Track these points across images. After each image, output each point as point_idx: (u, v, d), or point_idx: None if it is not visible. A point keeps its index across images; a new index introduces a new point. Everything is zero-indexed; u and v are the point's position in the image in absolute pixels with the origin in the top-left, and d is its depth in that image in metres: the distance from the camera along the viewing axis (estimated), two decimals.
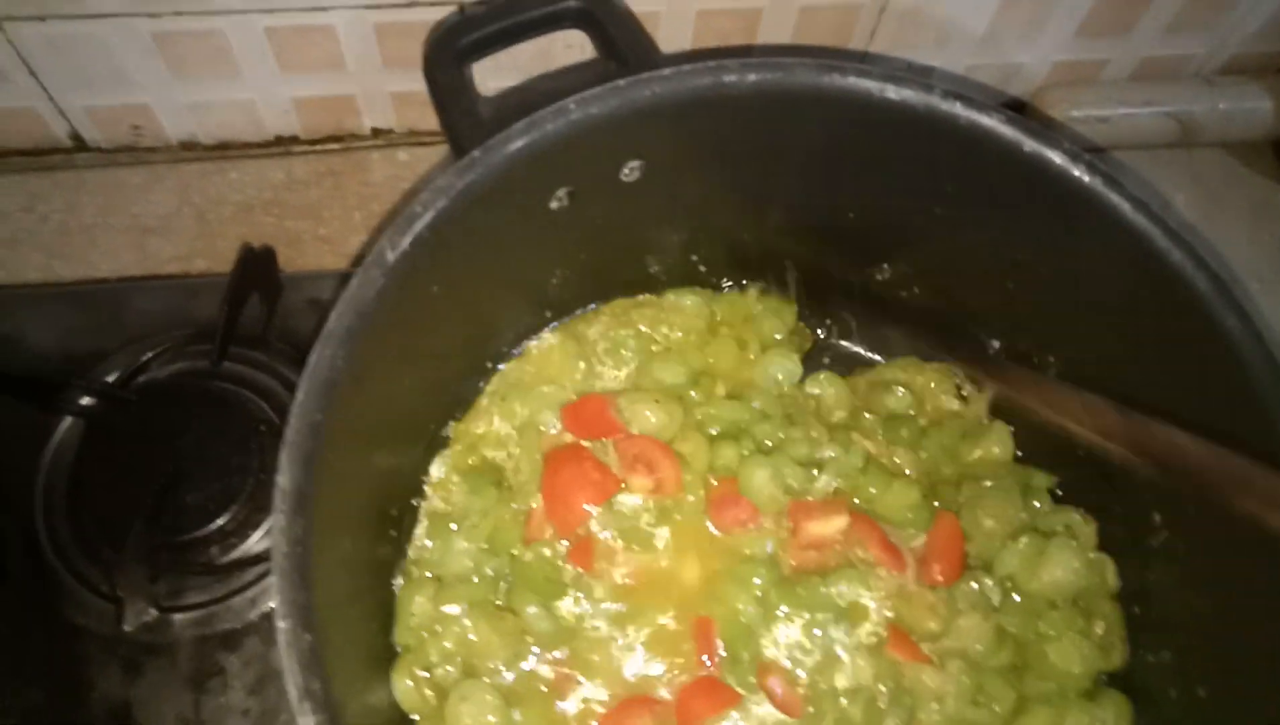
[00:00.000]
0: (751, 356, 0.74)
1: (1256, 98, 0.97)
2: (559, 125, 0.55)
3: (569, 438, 0.71)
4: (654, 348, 0.75)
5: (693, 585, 0.68)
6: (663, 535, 0.68)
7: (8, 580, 0.74)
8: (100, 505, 0.75)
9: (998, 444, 0.73)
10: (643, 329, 0.75)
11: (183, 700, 0.72)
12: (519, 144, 0.54)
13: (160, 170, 0.91)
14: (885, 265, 0.74)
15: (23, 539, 0.75)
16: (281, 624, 0.44)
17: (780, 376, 0.74)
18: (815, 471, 0.69)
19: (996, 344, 0.72)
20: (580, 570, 0.67)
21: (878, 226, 0.69)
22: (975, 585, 0.67)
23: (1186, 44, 0.95)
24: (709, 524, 0.69)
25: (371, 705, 0.61)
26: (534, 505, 0.69)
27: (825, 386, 0.75)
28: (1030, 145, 0.58)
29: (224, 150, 0.93)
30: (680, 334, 0.75)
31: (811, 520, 0.68)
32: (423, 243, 0.52)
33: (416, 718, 0.64)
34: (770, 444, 0.70)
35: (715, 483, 0.70)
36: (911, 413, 0.74)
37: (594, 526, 0.69)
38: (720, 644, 0.66)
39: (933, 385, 0.75)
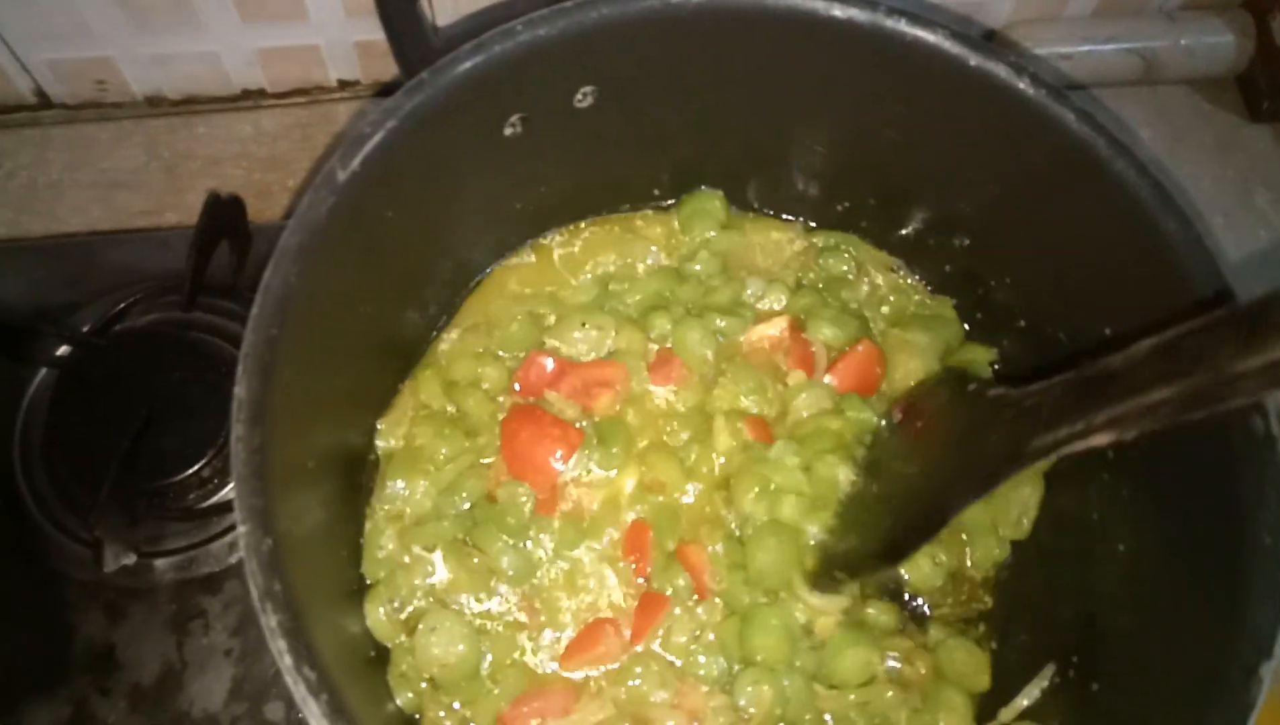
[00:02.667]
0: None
1: (1219, 32, 0.97)
2: (506, 47, 0.56)
3: (525, 399, 0.71)
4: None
5: (646, 482, 0.69)
6: (622, 442, 0.69)
7: None
8: (77, 453, 0.75)
9: (943, 320, 0.75)
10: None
11: (165, 642, 0.73)
12: (467, 65, 0.55)
13: (127, 126, 0.91)
14: (846, 201, 0.75)
15: (1, 489, 0.76)
16: (242, 528, 0.45)
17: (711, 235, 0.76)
18: (754, 300, 0.74)
19: (948, 269, 0.73)
20: (546, 516, 0.68)
21: (831, 150, 0.70)
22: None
23: None
24: (653, 390, 0.72)
25: (349, 633, 0.63)
26: (496, 457, 0.70)
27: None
28: (975, 60, 0.59)
29: (191, 105, 0.93)
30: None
31: (756, 325, 0.72)
32: (373, 164, 0.53)
33: (390, 646, 0.65)
34: (701, 297, 0.73)
35: (654, 352, 0.73)
36: (851, 278, 0.75)
37: (564, 478, 0.69)
38: (651, 546, 0.67)
39: (873, 263, 0.77)
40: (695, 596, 0.66)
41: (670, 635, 0.65)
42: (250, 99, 0.94)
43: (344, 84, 0.94)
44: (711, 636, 0.66)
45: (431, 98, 0.54)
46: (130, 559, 0.72)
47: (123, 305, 0.81)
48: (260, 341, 0.48)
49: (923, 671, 0.65)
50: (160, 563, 0.75)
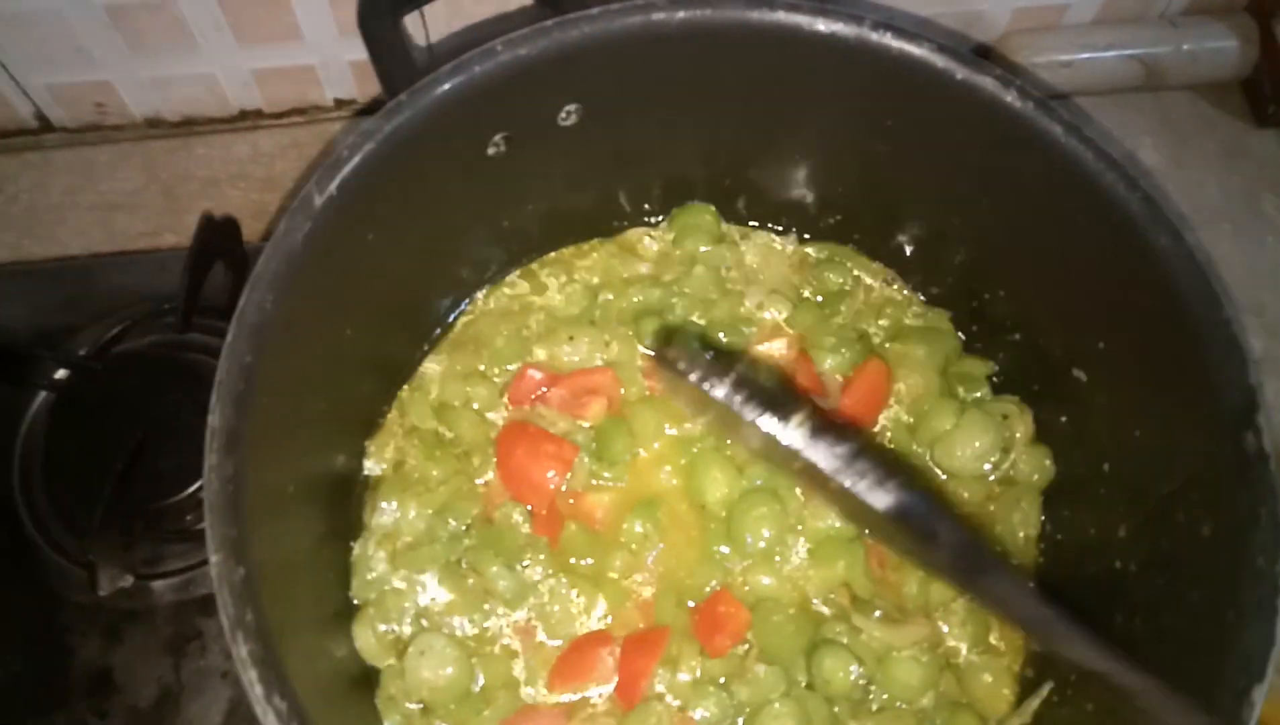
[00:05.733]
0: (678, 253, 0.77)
1: (1221, 37, 0.96)
2: (487, 67, 0.55)
3: (518, 413, 0.71)
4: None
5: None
6: (621, 461, 0.69)
7: None
8: (74, 476, 0.75)
9: (940, 333, 0.74)
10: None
11: (162, 664, 0.73)
12: (446, 86, 0.55)
13: (126, 148, 0.92)
14: (838, 215, 0.74)
15: (0, 512, 0.77)
16: (214, 558, 0.45)
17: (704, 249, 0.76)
18: (755, 311, 0.73)
19: (943, 281, 0.72)
20: (543, 537, 0.67)
21: (821, 164, 0.69)
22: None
23: None
24: (651, 392, 0.71)
25: (334, 656, 0.62)
26: (490, 477, 0.69)
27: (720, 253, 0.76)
28: (963, 73, 0.58)
29: (189, 126, 0.94)
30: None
31: (760, 342, 0.72)
32: (350, 188, 0.53)
33: (380, 668, 0.64)
34: (695, 318, 0.73)
35: (648, 357, 0.72)
36: (849, 290, 0.75)
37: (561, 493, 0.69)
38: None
39: (869, 275, 0.76)
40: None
41: (674, 673, 0.64)
42: (248, 119, 0.94)
43: (340, 103, 0.94)
44: (723, 679, 0.63)
45: (410, 120, 0.54)
46: (127, 581, 0.72)
47: (120, 328, 0.82)
48: (234, 369, 0.48)
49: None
50: (158, 584, 0.76)
